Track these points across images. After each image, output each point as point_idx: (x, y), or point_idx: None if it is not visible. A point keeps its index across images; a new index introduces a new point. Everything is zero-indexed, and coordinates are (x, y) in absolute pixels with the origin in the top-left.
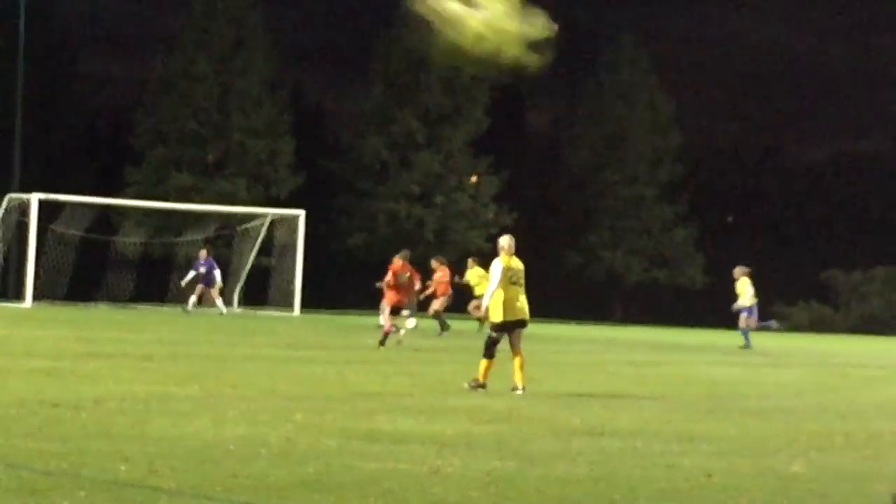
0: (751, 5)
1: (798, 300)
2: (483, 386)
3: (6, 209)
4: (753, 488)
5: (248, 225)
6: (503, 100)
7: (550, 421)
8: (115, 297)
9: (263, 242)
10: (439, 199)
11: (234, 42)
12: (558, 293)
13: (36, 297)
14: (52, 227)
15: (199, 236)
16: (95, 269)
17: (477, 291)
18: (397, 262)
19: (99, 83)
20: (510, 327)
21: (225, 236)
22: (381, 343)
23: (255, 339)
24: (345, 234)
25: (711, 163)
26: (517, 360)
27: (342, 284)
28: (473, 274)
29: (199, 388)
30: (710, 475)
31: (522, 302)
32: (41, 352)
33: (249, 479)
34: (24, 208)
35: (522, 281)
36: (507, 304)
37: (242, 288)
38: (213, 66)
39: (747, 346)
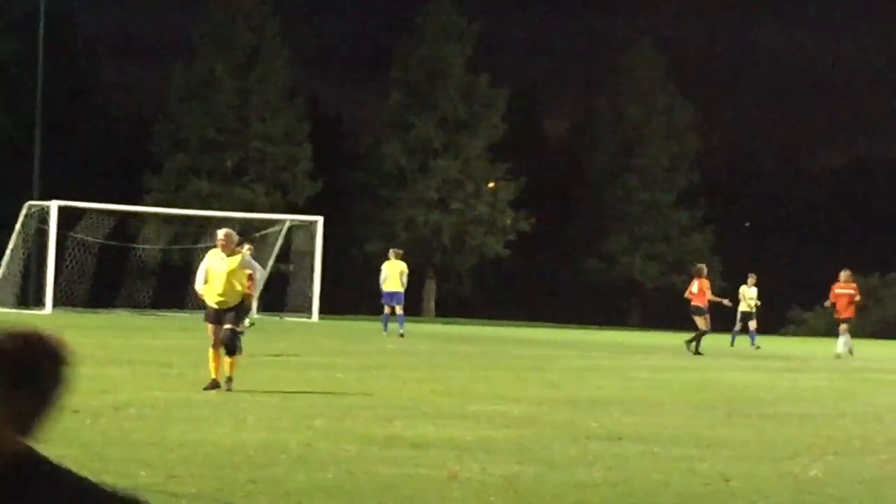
0: (770, 12)
1: (815, 305)
2: None
3: (26, 216)
4: (772, 493)
5: (267, 231)
6: (521, 106)
7: (569, 426)
8: (134, 304)
9: (281, 249)
10: (457, 205)
11: (252, 50)
12: (577, 299)
13: (56, 304)
14: (71, 234)
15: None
16: (115, 276)
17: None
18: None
19: (118, 91)
20: None
21: (247, 242)
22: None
23: (274, 346)
24: (363, 240)
25: (729, 168)
26: None
27: (360, 290)
28: (393, 266)
29: (218, 394)
30: (728, 480)
31: None
32: None
33: (269, 485)
34: (43, 215)
35: None
36: None
37: (260, 294)
38: (231, 74)
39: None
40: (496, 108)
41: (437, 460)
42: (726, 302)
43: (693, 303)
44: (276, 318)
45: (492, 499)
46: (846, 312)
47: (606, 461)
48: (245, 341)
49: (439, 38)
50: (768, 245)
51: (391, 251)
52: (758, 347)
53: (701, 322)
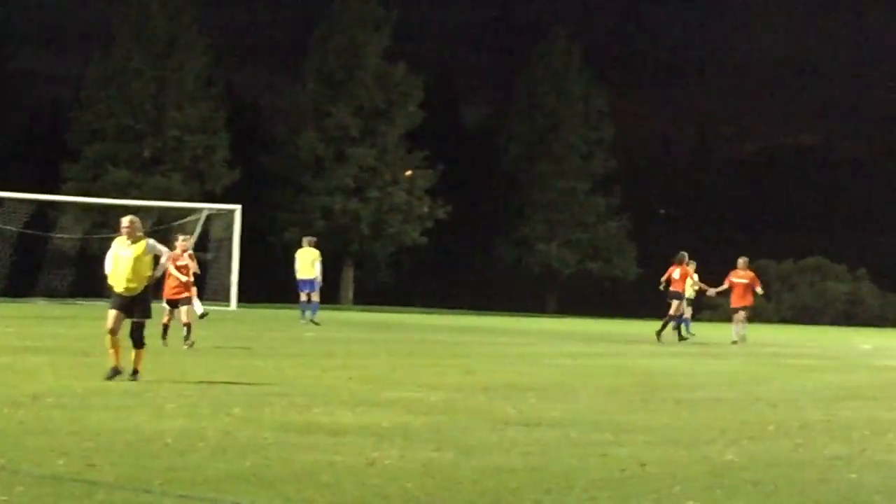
0: (685, 4)
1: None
2: None
3: None
4: (687, 477)
5: (185, 220)
6: (437, 94)
7: (486, 412)
8: (52, 293)
9: (200, 237)
10: (374, 193)
11: (169, 39)
12: (494, 286)
13: None
14: None
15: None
16: (33, 265)
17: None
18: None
19: (35, 80)
20: None
21: (161, 231)
22: None
23: (192, 333)
24: (281, 228)
25: (644, 156)
26: None
27: (279, 279)
28: (306, 254)
29: (136, 382)
30: (644, 465)
31: None
32: None
33: (187, 473)
34: None
35: None
36: None
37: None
38: (149, 63)
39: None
40: (413, 96)
41: (355, 447)
42: (711, 291)
43: (672, 288)
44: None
45: (409, 485)
46: (743, 301)
47: (523, 447)
48: (195, 331)
49: (356, 27)
50: (683, 231)
51: (304, 239)
52: (693, 335)
53: (674, 306)
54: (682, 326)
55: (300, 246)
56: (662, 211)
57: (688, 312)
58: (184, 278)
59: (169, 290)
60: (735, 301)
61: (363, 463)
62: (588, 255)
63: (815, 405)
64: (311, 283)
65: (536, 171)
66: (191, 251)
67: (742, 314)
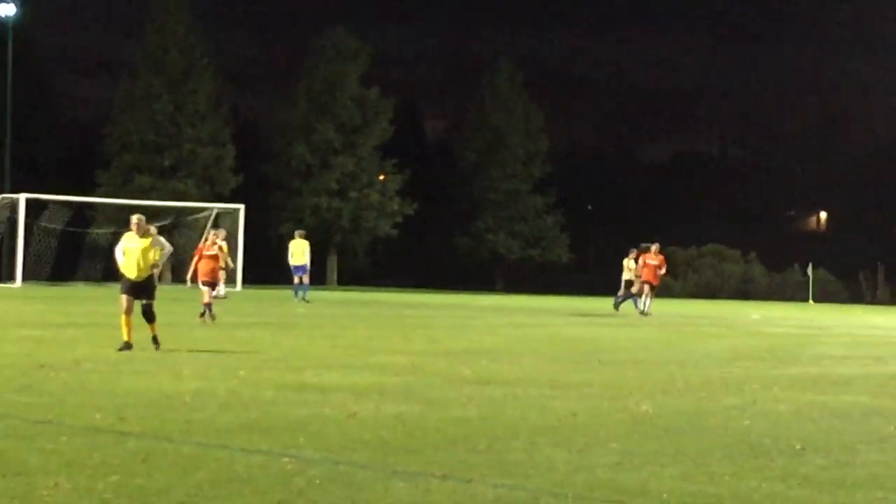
0: (606, 32)
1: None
2: None
3: None
4: (611, 424)
5: (198, 216)
6: (405, 112)
7: (447, 373)
8: (89, 278)
9: (210, 231)
10: (353, 194)
11: (184, 68)
12: (452, 269)
13: (24, 279)
14: (37, 222)
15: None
16: (73, 255)
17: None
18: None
19: (73, 101)
20: None
21: (179, 226)
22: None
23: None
24: (277, 223)
25: (574, 161)
26: None
27: (275, 265)
28: (298, 244)
29: (158, 351)
30: (575, 415)
31: None
32: (29, 322)
33: (202, 424)
34: (13, 206)
35: None
36: None
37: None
38: (167, 88)
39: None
40: (385, 114)
41: (339, 402)
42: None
43: (636, 273)
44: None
45: (383, 433)
46: (651, 279)
47: (477, 401)
48: (217, 309)
49: (338, 58)
50: (607, 224)
51: (296, 232)
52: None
53: (636, 286)
54: (632, 302)
55: (293, 237)
56: (590, 207)
57: (634, 289)
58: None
59: (202, 273)
60: (645, 278)
61: (345, 415)
62: (529, 244)
63: (714, 365)
64: (302, 268)
65: (486, 176)
66: (222, 243)
67: (647, 288)
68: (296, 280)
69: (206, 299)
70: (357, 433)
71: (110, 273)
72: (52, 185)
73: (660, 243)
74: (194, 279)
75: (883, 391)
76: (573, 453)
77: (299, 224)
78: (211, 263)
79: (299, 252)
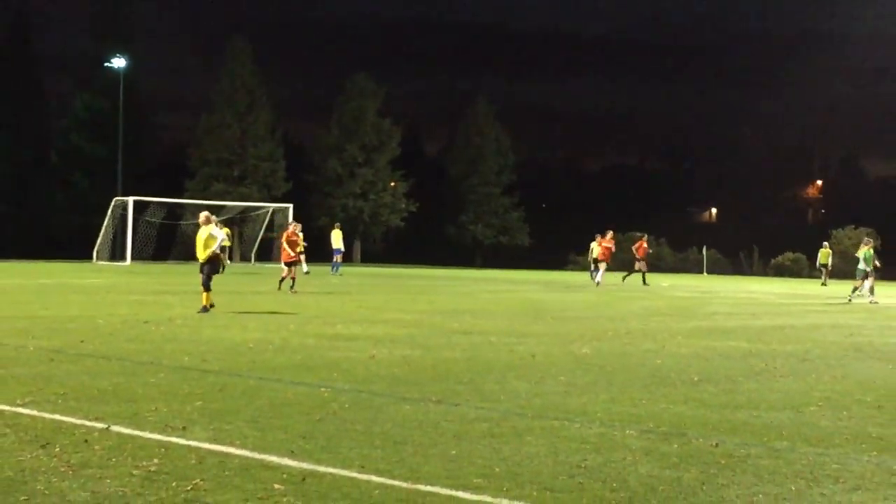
0: (558, 74)
1: (585, 252)
2: None
3: (113, 206)
4: (560, 363)
5: (258, 212)
6: (409, 137)
7: (440, 326)
8: (180, 258)
9: (268, 224)
10: (372, 196)
11: (248, 103)
12: (444, 251)
13: (133, 258)
14: (142, 217)
15: (224, 218)
16: (168, 241)
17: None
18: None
19: (166, 128)
20: None
21: (246, 219)
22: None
23: (264, 283)
24: (316, 218)
25: (533, 171)
26: None
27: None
28: (336, 233)
29: (230, 311)
30: (534, 356)
31: None
32: (137, 290)
33: (263, 364)
34: (124, 205)
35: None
36: None
37: (256, 251)
38: (235, 119)
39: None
40: (395, 138)
41: (362, 348)
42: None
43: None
44: (260, 265)
45: (394, 370)
46: (605, 257)
47: (462, 346)
48: (298, 282)
49: (361, 96)
50: (557, 219)
51: (335, 224)
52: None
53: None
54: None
55: (333, 228)
56: (544, 205)
57: (602, 267)
58: (292, 251)
59: (285, 256)
60: (600, 256)
61: (366, 357)
62: (499, 232)
63: (635, 320)
64: (338, 250)
65: (468, 183)
66: (299, 232)
67: (603, 265)
68: (335, 259)
69: (284, 274)
70: (375, 370)
71: (194, 254)
72: (152, 190)
73: (596, 230)
74: (284, 260)
75: (758, 338)
76: (532, 384)
77: (334, 219)
78: (291, 248)
79: (337, 238)
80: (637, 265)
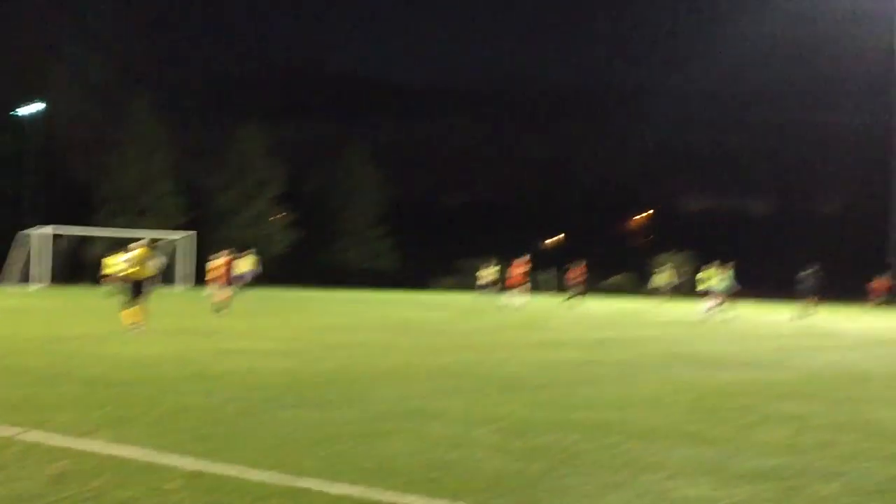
0: (415, 118)
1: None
2: None
3: (23, 235)
4: (423, 371)
5: (165, 240)
6: (292, 176)
7: (317, 340)
8: (88, 281)
9: (172, 251)
10: (260, 227)
11: (150, 147)
12: (322, 275)
13: (45, 282)
14: (55, 245)
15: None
16: (78, 267)
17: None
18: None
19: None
20: None
21: (155, 248)
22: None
23: (166, 304)
24: (208, 246)
25: (401, 205)
26: None
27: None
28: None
29: (138, 329)
30: (398, 365)
31: None
32: (48, 311)
33: (160, 376)
34: (38, 234)
35: None
36: None
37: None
38: (139, 160)
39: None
40: (279, 176)
41: (249, 360)
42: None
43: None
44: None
45: (276, 379)
46: (525, 279)
47: (337, 358)
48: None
49: (249, 140)
50: (421, 245)
51: (241, 252)
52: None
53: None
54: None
55: (239, 255)
56: (410, 234)
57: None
58: (225, 276)
59: (220, 280)
60: (519, 279)
61: (252, 368)
62: (371, 257)
63: (489, 333)
64: (242, 275)
65: (343, 215)
66: (228, 258)
67: (519, 289)
68: (238, 282)
69: (220, 297)
70: (260, 380)
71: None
72: (63, 221)
73: (517, 251)
74: (219, 284)
75: (592, 349)
76: (398, 389)
77: (224, 247)
78: (226, 273)
79: (244, 264)
80: (571, 291)
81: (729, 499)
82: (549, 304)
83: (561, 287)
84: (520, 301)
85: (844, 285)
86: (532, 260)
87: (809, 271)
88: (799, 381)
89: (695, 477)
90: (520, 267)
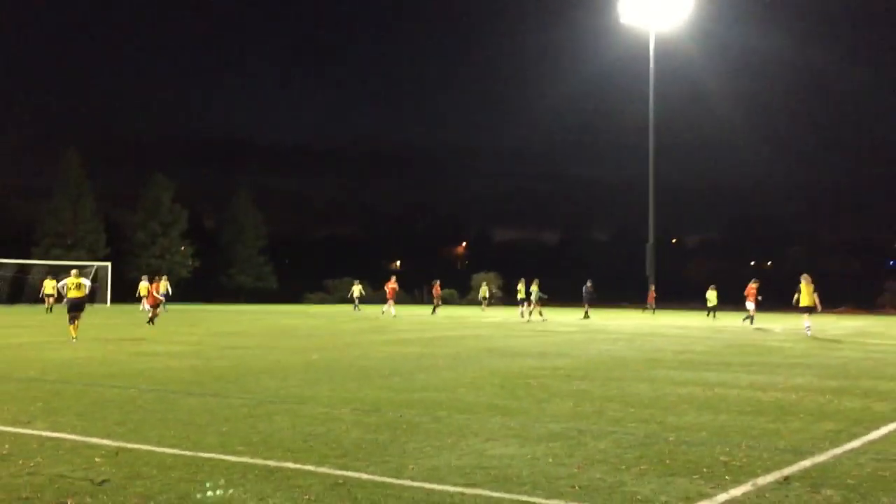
0: (288, 171)
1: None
2: None
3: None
4: (298, 366)
5: (86, 269)
6: (194, 216)
7: (216, 343)
8: (28, 302)
9: (93, 276)
10: (168, 257)
11: (78, 193)
12: (218, 293)
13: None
14: None
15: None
16: (18, 291)
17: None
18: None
19: (19, 209)
20: None
21: (81, 274)
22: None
23: (95, 318)
24: (128, 273)
25: (279, 239)
26: None
27: (128, 295)
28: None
29: (69, 338)
30: (278, 361)
31: None
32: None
33: (88, 374)
34: None
35: None
36: None
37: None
38: (69, 204)
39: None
40: (183, 217)
41: (162, 360)
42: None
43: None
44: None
45: (184, 375)
46: (392, 294)
47: (230, 357)
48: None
49: (158, 188)
50: (295, 268)
51: (158, 277)
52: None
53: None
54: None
55: (154, 280)
56: (287, 261)
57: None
58: (157, 296)
59: (151, 300)
60: (391, 294)
61: (164, 366)
62: (256, 279)
63: (349, 335)
64: (165, 294)
65: (235, 247)
66: (146, 284)
67: (390, 302)
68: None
69: (153, 313)
70: (170, 375)
71: (39, 300)
72: (6, 255)
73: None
74: (150, 303)
75: (427, 345)
76: (279, 381)
77: (141, 273)
78: (155, 293)
79: (161, 286)
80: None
81: (531, 455)
82: (394, 312)
83: (427, 300)
84: (393, 310)
85: (611, 295)
86: (378, 280)
87: (588, 284)
88: (579, 365)
89: (505, 440)
90: (391, 283)
